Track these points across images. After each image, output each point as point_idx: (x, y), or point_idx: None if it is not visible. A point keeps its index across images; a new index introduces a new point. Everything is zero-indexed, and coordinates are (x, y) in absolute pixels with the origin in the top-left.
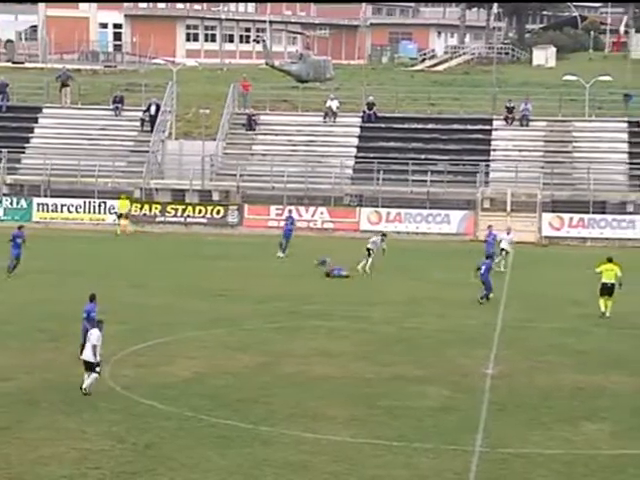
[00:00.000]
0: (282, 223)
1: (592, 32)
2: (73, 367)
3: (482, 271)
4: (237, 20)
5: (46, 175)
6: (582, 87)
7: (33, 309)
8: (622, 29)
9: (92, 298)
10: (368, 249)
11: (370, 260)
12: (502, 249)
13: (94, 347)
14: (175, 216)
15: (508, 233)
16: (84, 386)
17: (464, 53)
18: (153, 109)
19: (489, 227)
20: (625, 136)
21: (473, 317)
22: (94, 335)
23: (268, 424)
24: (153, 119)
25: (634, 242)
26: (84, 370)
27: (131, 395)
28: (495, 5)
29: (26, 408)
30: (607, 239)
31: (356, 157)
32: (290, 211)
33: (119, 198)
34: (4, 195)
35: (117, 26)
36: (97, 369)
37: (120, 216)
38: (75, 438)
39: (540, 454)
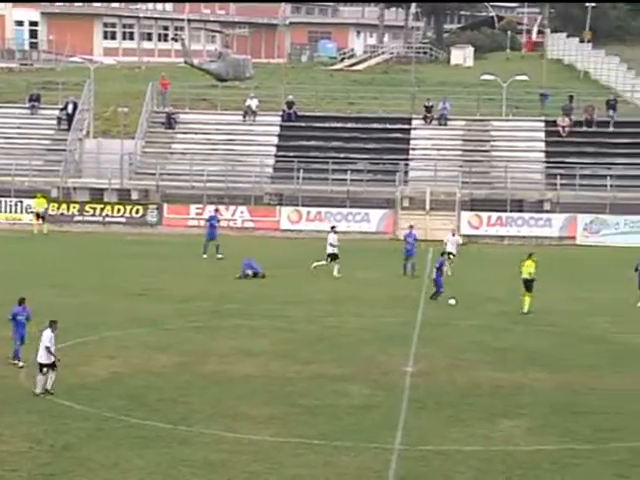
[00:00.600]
0: (203, 222)
1: (509, 32)
2: None
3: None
4: (155, 18)
5: None
6: (499, 87)
7: None
8: (535, 29)
9: (21, 301)
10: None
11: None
12: (449, 252)
13: (47, 348)
14: (93, 215)
15: (453, 235)
16: (47, 387)
17: (383, 52)
18: (70, 107)
19: (410, 227)
20: (542, 135)
21: (393, 315)
22: (45, 336)
23: (187, 424)
24: (70, 117)
25: (551, 240)
26: (38, 372)
27: (50, 396)
28: (413, 5)
29: None
30: (524, 237)
31: (276, 156)
32: (217, 210)
33: (35, 197)
34: None
35: (33, 24)
36: (54, 368)
37: (38, 216)
38: None
39: (459, 451)
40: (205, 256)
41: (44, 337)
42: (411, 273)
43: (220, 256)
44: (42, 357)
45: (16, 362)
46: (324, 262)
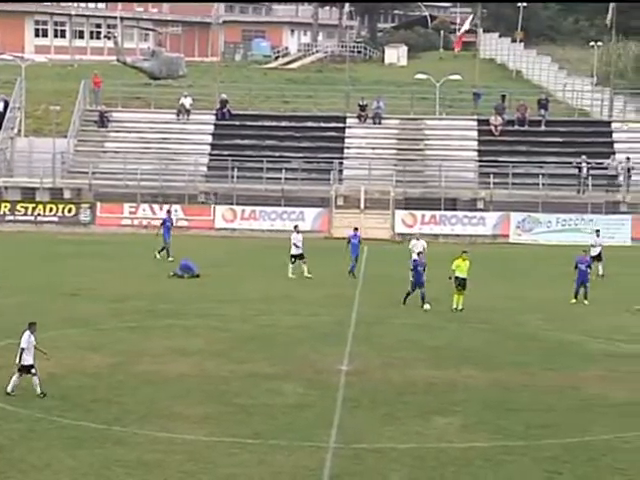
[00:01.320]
0: (136, 222)
1: (442, 31)
2: None
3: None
4: (87, 16)
5: None
6: (433, 86)
7: None
8: (465, 28)
9: None
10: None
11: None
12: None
13: (22, 350)
14: (25, 215)
15: (417, 239)
16: (38, 391)
17: (317, 51)
18: (1, 106)
19: (355, 229)
20: (475, 134)
21: (327, 314)
22: (23, 338)
23: (121, 424)
24: (1, 116)
25: (484, 238)
26: (31, 376)
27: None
28: (347, 4)
29: None
30: (458, 235)
31: (210, 155)
32: (169, 212)
33: None
34: None
35: None
36: (33, 370)
37: None
38: None
39: (393, 449)
40: (171, 259)
41: (22, 339)
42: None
43: (158, 257)
44: (26, 360)
45: None
46: (291, 265)
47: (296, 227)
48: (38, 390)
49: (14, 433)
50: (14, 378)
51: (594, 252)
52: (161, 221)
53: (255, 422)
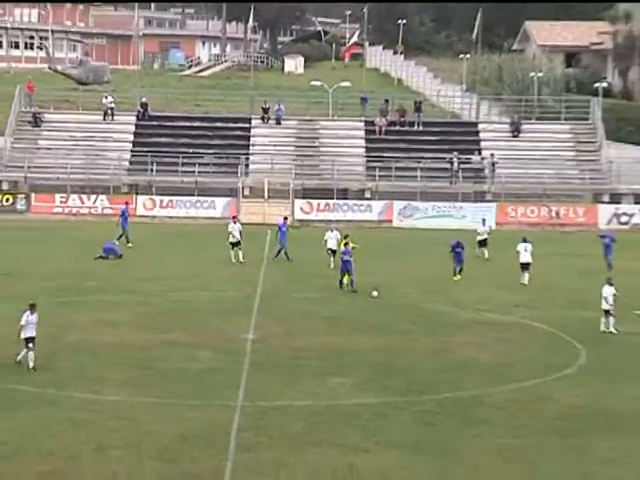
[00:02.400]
0: (66, 210)
1: (333, 44)
2: None
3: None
4: (22, 29)
5: None
6: (326, 91)
7: None
8: (352, 41)
9: None
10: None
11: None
12: (330, 249)
13: (22, 327)
14: None
15: (332, 231)
16: (31, 365)
17: (225, 61)
18: None
19: (285, 218)
20: (362, 133)
21: (236, 290)
22: (23, 317)
23: (55, 388)
24: None
25: (371, 223)
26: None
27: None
28: (251, 19)
29: None
30: (349, 221)
31: (132, 151)
32: (127, 203)
33: None
34: None
35: None
36: (30, 345)
37: None
38: None
39: (291, 405)
40: (130, 245)
41: (22, 318)
42: (281, 257)
43: (120, 241)
44: (26, 333)
45: None
46: (232, 251)
47: (234, 217)
48: (31, 364)
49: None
50: (23, 351)
51: (480, 238)
52: (120, 211)
53: (172, 384)
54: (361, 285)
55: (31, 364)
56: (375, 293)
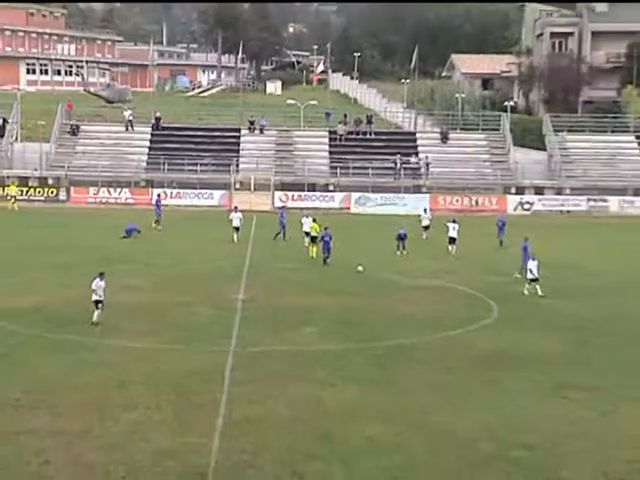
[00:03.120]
0: (97, 200)
1: (304, 71)
2: None
3: (326, 240)
4: (63, 60)
5: None
6: (299, 108)
7: None
8: (319, 69)
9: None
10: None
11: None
12: (306, 232)
13: (93, 291)
14: (21, 195)
15: (307, 217)
16: (94, 319)
17: (221, 84)
18: (0, 121)
19: (283, 206)
20: (326, 140)
21: (229, 262)
22: (94, 282)
23: (90, 337)
24: (2, 129)
25: (333, 210)
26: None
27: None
28: (240, 52)
29: None
30: (316, 208)
31: (148, 154)
32: (159, 195)
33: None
34: None
35: None
36: (99, 305)
37: (13, 197)
38: None
39: (274, 350)
40: (154, 225)
41: (93, 283)
42: (283, 238)
43: (159, 228)
44: (95, 297)
45: None
46: (235, 235)
47: (236, 208)
48: (95, 318)
49: (15, 344)
50: (96, 313)
51: (424, 223)
52: (155, 202)
53: (180, 334)
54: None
55: (95, 318)
56: (360, 268)
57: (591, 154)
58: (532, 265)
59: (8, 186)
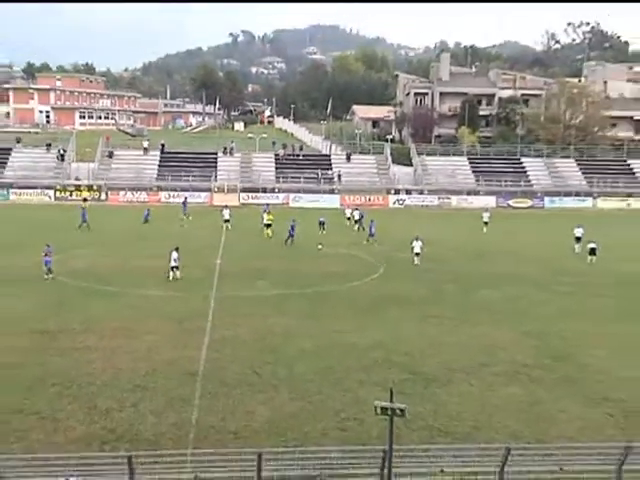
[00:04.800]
0: (125, 200)
1: (258, 115)
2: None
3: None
4: (102, 109)
5: None
6: (255, 139)
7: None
8: (267, 113)
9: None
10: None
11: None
12: (266, 224)
13: (174, 260)
14: (77, 196)
15: (266, 212)
16: (171, 277)
17: (204, 124)
18: (62, 150)
19: (267, 206)
20: (273, 159)
21: (210, 241)
22: (173, 255)
23: (120, 288)
24: (63, 155)
25: (277, 205)
26: (171, 271)
27: (55, 277)
28: (217, 103)
29: None
30: (267, 204)
31: (158, 169)
32: (185, 198)
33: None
34: None
35: (47, 112)
36: (176, 270)
37: (84, 199)
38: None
39: (240, 295)
40: (182, 217)
41: (171, 255)
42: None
43: (188, 220)
44: (170, 262)
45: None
46: (226, 225)
47: (226, 206)
48: (171, 277)
49: (72, 292)
50: (170, 273)
51: (356, 217)
52: (182, 202)
53: (178, 285)
54: (277, 238)
55: (171, 276)
56: (320, 246)
57: (440, 169)
58: (416, 244)
59: (81, 192)
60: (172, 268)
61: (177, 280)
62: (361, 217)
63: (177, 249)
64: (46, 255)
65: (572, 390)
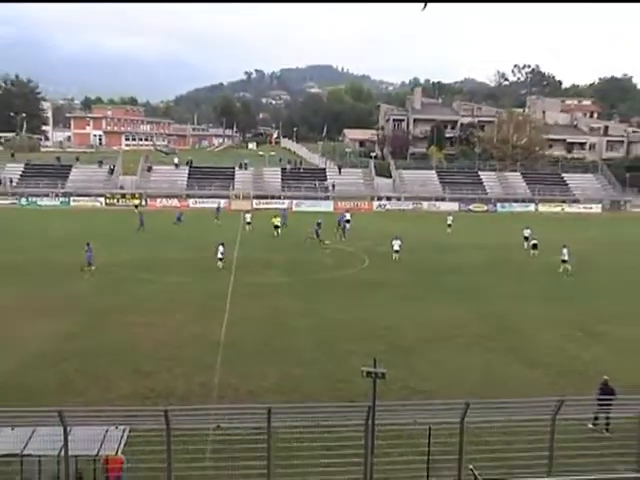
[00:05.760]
0: (161, 205)
1: (267, 137)
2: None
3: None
4: (144, 133)
5: None
6: (264, 156)
7: None
8: (275, 135)
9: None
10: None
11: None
12: (247, 225)
13: (222, 252)
14: (127, 202)
15: (248, 212)
16: (219, 267)
17: (224, 145)
18: (112, 166)
19: (285, 211)
20: (279, 173)
21: (228, 239)
22: (220, 249)
23: (156, 276)
24: (112, 170)
25: (283, 209)
26: (218, 260)
27: (105, 267)
28: (235, 127)
29: None
30: (276, 208)
31: (187, 180)
32: (219, 203)
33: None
34: None
35: (100, 136)
36: (221, 261)
37: (137, 206)
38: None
39: (253, 282)
40: (216, 221)
41: (218, 247)
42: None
43: (219, 223)
44: (218, 255)
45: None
46: (248, 226)
47: (248, 210)
48: (220, 266)
49: (119, 279)
50: (219, 263)
51: (346, 218)
52: (216, 208)
53: (203, 274)
54: (259, 229)
55: (221, 265)
56: (327, 242)
57: (414, 180)
58: (395, 242)
59: (126, 199)
60: (219, 259)
61: (222, 269)
62: (341, 219)
63: (223, 244)
64: (87, 251)
65: (517, 356)
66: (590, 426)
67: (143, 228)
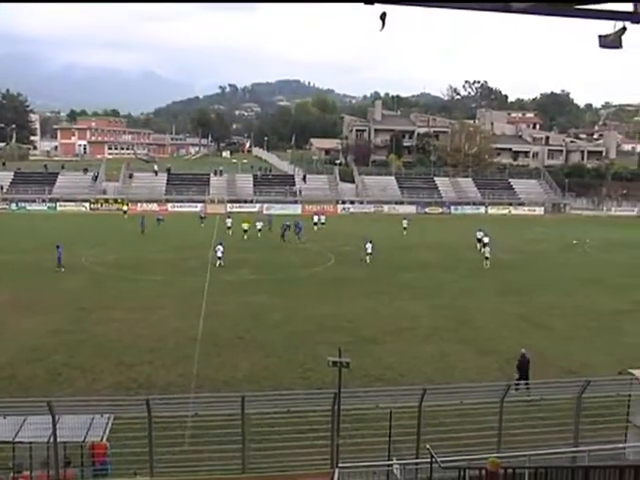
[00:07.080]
0: (141, 209)
1: (239, 146)
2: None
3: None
4: (125, 142)
5: None
6: (237, 164)
7: None
8: (247, 145)
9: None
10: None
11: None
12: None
13: (222, 252)
14: (108, 206)
15: (229, 218)
16: (217, 265)
17: (200, 153)
18: (97, 173)
19: (270, 217)
20: (251, 179)
21: (206, 238)
22: (219, 248)
23: (140, 274)
24: (97, 177)
25: (255, 213)
26: (217, 259)
27: (90, 267)
28: (210, 137)
29: None
30: (248, 212)
31: (166, 186)
32: (229, 215)
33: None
34: None
35: (85, 146)
36: (220, 260)
37: (125, 212)
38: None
39: (227, 279)
40: (201, 224)
41: (218, 247)
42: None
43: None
44: (217, 254)
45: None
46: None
47: (229, 214)
48: (217, 265)
49: (115, 277)
50: (218, 261)
51: (322, 220)
52: (200, 210)
53: (182, 272)
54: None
55: (220, 264)
56: (304, 239)
57: (375, 185)
58: (369, 245)
59: (121, 204)
60: (218, 258)
61: (222, 266)
62: (297, 224)
63: (221, 244)
64: (58, 254)
65: (470, 346)
66: (513, 392)
67: (142, 231)
